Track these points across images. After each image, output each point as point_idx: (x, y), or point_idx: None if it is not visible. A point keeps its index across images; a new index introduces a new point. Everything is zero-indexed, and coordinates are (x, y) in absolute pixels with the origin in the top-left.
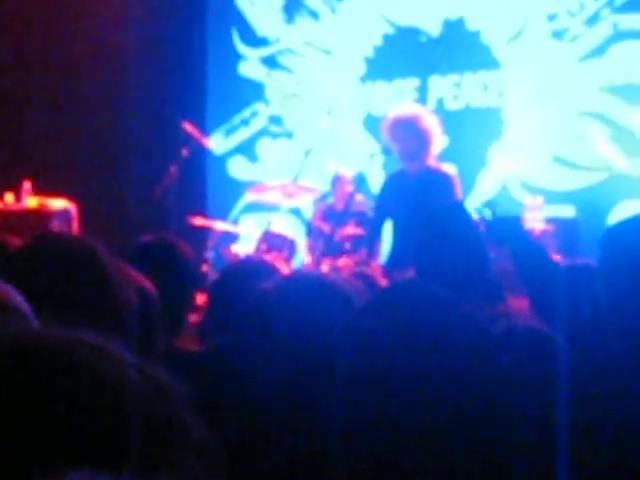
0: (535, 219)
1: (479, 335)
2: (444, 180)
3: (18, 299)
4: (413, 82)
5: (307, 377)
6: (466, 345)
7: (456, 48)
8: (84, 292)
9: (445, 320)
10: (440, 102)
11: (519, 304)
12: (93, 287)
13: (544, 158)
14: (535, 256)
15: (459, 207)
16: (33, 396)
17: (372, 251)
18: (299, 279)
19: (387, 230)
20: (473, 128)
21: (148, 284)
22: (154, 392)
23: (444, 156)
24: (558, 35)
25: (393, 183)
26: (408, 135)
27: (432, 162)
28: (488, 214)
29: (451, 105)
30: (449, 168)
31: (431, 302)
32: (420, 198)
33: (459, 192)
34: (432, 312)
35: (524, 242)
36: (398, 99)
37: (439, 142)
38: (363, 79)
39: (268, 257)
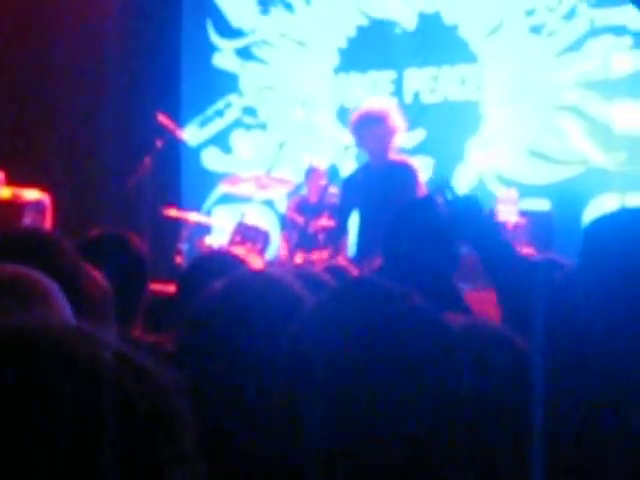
0: (509, 212)
1: (436, 330)
2: (407, 172)
3: (51, 288)
4: (388, 74)
5: (253, 377)
6: (422, 340)
7: (433, 41)
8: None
9: (400, 315)
10: (417, 95)
11: (486, 297)
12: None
13: (520, 151)
14: (498, 243)
15: (431, 202)
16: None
17: (339, 244)
18: (245, 279)
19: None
20: (450, 121)
21: (99, 276)
22: (143, 379)
23: (421, 149)
24: (536, 30)
25: (356, 177)
26: (372, 129)
27: (395, 155)
28: (449, 194)
29: (428, 98)
30: (412, 160)
31: (385, 298)
32: (383, 191)
33: (422, 184)
34: (386, 307)
35: (487, 228)
36: (373, 91)
37: (402, 135)
38: (336, 71)
39: (241, 249)
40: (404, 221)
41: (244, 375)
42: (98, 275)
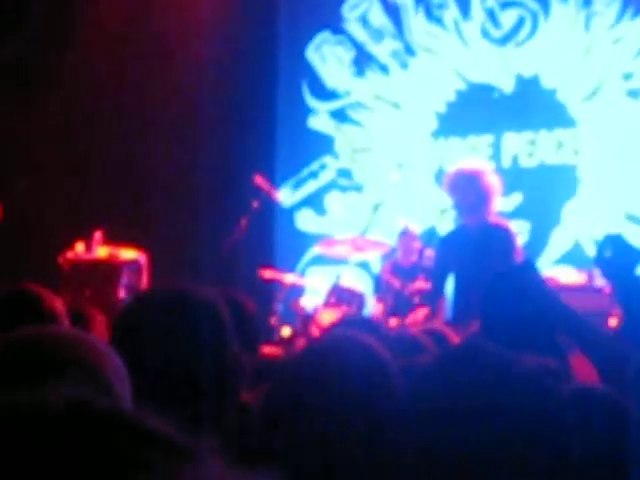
0: None
1: (544, 394)
2: (502, 235)
3: (111, 360)
4: (487, 138)
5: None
6: (531, 404)
7: (531, 105)
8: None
9: (508, 380)
10: (515, 159)
11: (578, 362)
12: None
13: (617, 216)
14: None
15: (529, 267)
16: None
17: (436, 306)
18: (331, 344)
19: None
20: (547, 185)
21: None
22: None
23: (518, 213)
24: (634, 94)
25: (453, 238)
26: (468, 189)
27: (492, 217)
28: (608, 254)
29: (526, 162)
30: (508, 223)
31: (494, 362)
32: (480, 253)
33: (518, 247)
34: (494, 372)
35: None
36: (471, 155)
37: (499, 199)
38: (435, 134)
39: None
40: (501, 286)
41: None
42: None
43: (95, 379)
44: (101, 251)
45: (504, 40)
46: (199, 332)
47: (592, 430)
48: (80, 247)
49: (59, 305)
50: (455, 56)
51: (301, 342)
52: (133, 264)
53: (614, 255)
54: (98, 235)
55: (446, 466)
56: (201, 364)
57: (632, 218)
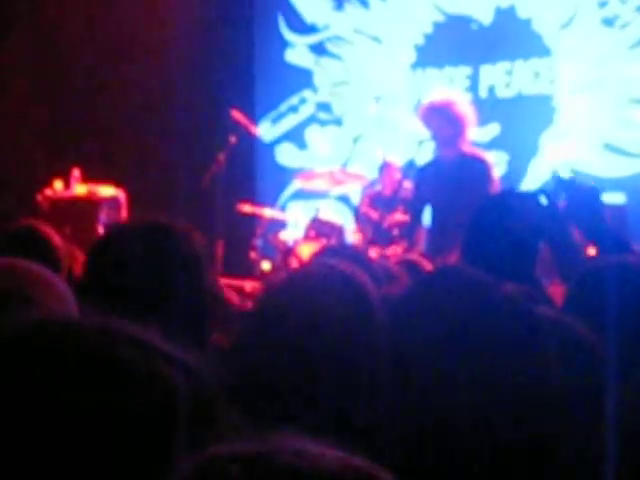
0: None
1: (523, 317)
2: (480, 166)
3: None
4: (464, 70)
5: (318, 368)
6: (513, 325)
7: (507, 36)
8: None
9: (489, 302)
10: (491, 90)
11: (557, 291)
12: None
13: (595, 145)
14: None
15: (510, 198)
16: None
17: (413, 237)
18: (310, 272)
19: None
20: (524, 116)
21: None
22: (192, 385)
23: (495, 144)
24: (609, 22)
25: (429, 170)
26: (442, 121)
27: (468, 148)
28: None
29: (503, 93)
30: (485, 155)
31: (474, 285)
32: (456, 184)
33: (495, 178)
34: (476, 295)
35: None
36: (449, 86)
37: (473, 128)
38: (413, 66)
39: (317, 243)
40: (484, 219)
41: (308, 365)
42: None
43: (30, 306)
44: (80, 189)
45: None
46: (175, 259)
47: (568, 359)
48: (59, 185)
49: (60, 243)
50: None
51: (281, 275)
52: (112, 201)
53: (569, 199)
54: (76, 173)
55: (423, 394)
56: (179, 289)
57: (609, 147)
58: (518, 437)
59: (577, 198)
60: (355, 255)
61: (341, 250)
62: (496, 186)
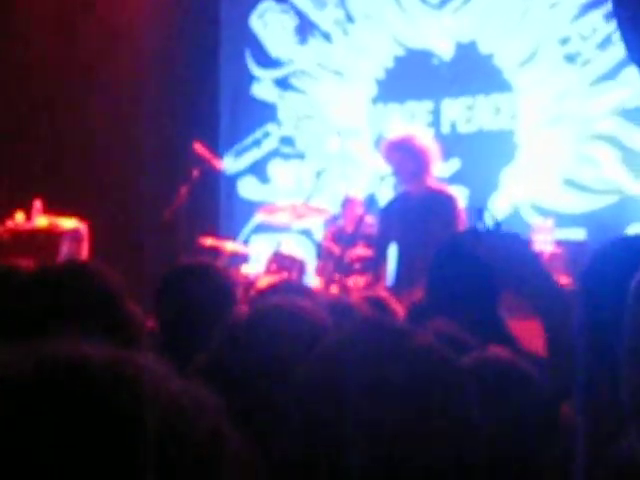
0: (545, 241)
1: (438, 365)
2: (446, 201)
3: None
4: (426, 105)
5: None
6: (424, 375)
7: (468, 71)
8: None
9: (400, 353)
10: (453, 125)
11: (528, 326)
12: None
13: (555, 181)
14: (539, 274)
15: (474, 235)
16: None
17: (378, 273)
18: (270, 309)
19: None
20: (485, 151)
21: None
22: (196, 408)
23: (456, 179)
24: (570, 58)
25: (395, 206)
26: (405, 157)
27: (433, 183)
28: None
29: (464, 128)
30: (450, 189)
31: (387, 337)
32: (423, 220)
33: (462, 213)
34: (387, 347)
35: (528, 261)
36: (410, 121)
37: (437, 161)
38: (374, 100)
39: (278, 277)
40: (448, 255)
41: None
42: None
43: None
44: (41, 220)
45: (441, 5)
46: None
47: (494, 401)
48: (20, 216)
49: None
50: (393, 22)
51: (242, 309)
52: (74, 233)
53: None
54: (38, 204)
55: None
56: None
57: (570, 182)
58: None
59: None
60: (307, 292)
61: (294, 287)
62: (462, 220)
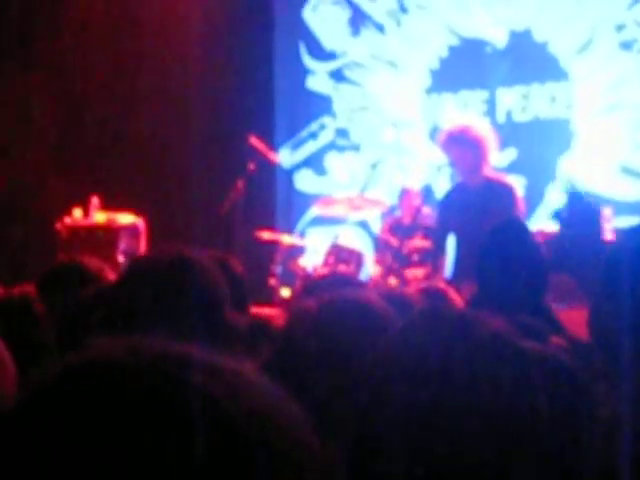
0: (604, 230)
1: (506, 353)
2: (504, 191)
3: None
4: (481, 94)
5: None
6: (492, 363)
7: (523, 59)
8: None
9: (468, 340)
10: (509, 114)
11: (578, 316)
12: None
13: (612, 169)
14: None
15: (518, 223)
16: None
17: (437, 265)
18: (336, 303)
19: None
20: (542, 140)
21: None
22: (289, 424)
23: (513, 168)
24: (626, 46)
25: (453, 197)
26: (463, 148)
27: (491, 173)
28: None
29: (519, 117)
30: (509, 179)
31: (453, 324)
32: (481, 210)
33: (520, 203)
34: (454, 334)
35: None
36: (464, 111)
37: (495, 152)
38: (428, 91)
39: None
40: (495, 242)
41: (330, 395)
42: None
43: None
44: (99, 216)
45: None
46: (195, 292)
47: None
48: (78, 213)
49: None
50: (446, 11)
51: (308, 303)
52: (131, 229)
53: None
54: (95, 200)
55: (408, 433)
56: (196, 324)
57: (626, 170)
58: (503, 466)
59: (579, 210)
60: (360, 284)
61: (347, 279)
62: (521, 210)
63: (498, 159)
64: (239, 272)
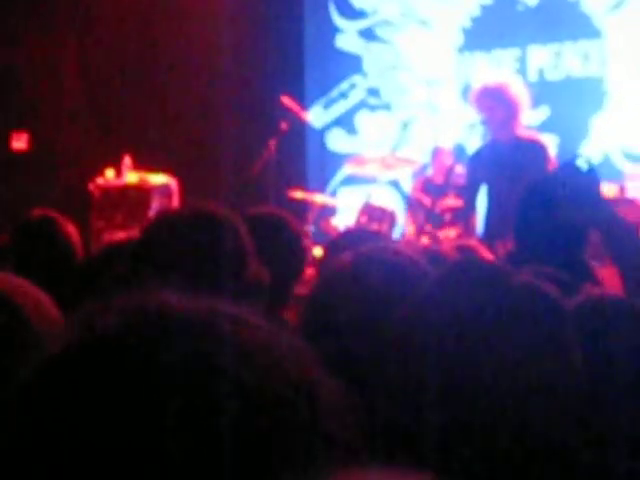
0: (637, 188)
1: (542, 305)
2: (536, 149)
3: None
4: (513, 52)
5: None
6: (529, 315)
7: (555, 17)
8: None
9: (507, 290)
10: (541, 72)
11: (609, 273)
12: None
13: None
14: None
15: (560, 177)
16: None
17: (468, 222)
18: (374, 254)
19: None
20: (574, 98)
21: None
22: (288, 359)
23: (545, 126)
24: None
25: (484, 153)
26: (496, 104)
27: (523, 131)
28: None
29: (552, 75)
30: (541, 137)
31: (492, 275)
32: (513, 167)
33: (552, 161)
34: (494, 284)
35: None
36: (497, 69)
37: (528, 111)
38: (461, 50)
39: (370, 229)
40: (533, 199)
41: (367, 347)
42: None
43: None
44: (131, 176)
45: None
46: (221, 249)
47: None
48: (110, 173)
49: (74, 233)
50: None
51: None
52: (163, 189)
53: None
54: (127, 160)
55: (446, 384)
56: (223, 279)
57: None
58: (539, 431)
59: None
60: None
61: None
62: (553, 168)
63: (530, 117)
64: (296, 230)
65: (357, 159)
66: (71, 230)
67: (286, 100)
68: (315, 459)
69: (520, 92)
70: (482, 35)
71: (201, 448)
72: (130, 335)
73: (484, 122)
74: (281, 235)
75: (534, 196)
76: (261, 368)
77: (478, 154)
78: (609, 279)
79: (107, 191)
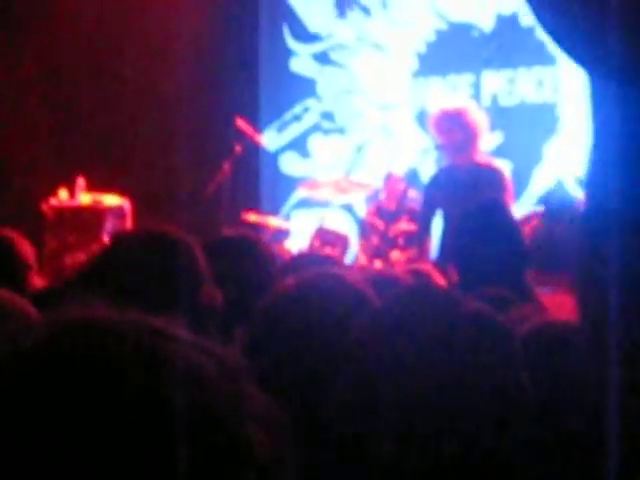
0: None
1: (490, 330)
2: (493, 175)
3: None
4: (467, 77)
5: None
6: (477, 339)
7: (510, 44)
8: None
9: (455, 316)
10: (495, 98)
11: (558, 300)
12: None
13: None
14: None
15: (499, 202)
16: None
17: (422, 247)
18: (316, 279)
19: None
20: (528, 124)
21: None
22: (219, 372)
23: (499, 152)
24: None
25: (441, 178)
26: (454, 128)
27: (481, 156)
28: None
29: (506, 101)
30: (499, 163)
31: (440, 301)
32: (469, 193)
33: (510, 187)
34: (441, 310)
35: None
36: (452, 94)
37: (486, 136)
38: (416, 74)
39: (323, 253)
40: (473, 222)
41: (309, 368)
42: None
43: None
44: (84, 198)
45: None
46: (175, 270)
47: (542, 370)
48: (63, 194)
49: (30, 251)
50: None
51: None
52: (117, 210)
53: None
54: (81, 181)
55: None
56: (177, 300)
57: None
58: (487, 438)
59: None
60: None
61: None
62: (510, 193)
63: (485, 143)
64: (267, 253)
65: (311, 183)
66: (27, 250)
67: (240, 123)
68: (240, 472)
69: (479, 117)
70: (437, 60)
71: (111, 456)
72: (50, 346)
73: (439, 147)
74: (252, 257)
75: (475, 218)
76: (173, 379)
77: (435, 178)
78: (557, 306)
79: (60, 212)
